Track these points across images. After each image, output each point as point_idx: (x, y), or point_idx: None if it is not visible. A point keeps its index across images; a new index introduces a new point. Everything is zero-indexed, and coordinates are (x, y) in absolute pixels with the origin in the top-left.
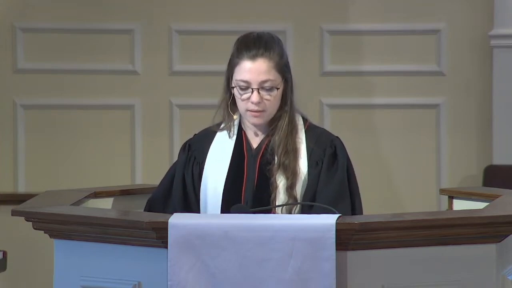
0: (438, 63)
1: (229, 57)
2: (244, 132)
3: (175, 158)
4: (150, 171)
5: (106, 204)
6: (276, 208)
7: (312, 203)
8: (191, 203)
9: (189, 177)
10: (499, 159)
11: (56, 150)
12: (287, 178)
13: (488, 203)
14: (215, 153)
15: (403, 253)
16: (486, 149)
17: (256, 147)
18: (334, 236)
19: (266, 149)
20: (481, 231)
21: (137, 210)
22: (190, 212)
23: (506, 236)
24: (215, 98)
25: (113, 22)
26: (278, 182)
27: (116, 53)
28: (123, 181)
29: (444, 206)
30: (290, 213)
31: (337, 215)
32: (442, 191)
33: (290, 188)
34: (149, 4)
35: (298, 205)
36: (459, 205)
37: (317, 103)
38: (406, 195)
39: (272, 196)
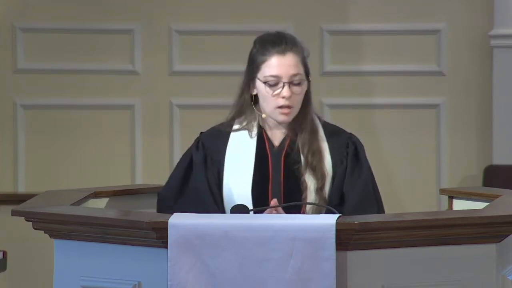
0: (438, 63)
1: (229, 57)
2: (265, 131)
3: (176, 158)
4: (150, 171)
5: (106, 204)
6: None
7: (335, 210)
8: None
9: (212, 176)
10: (499, 159)
11: (56, 150)
12: (317, 180)
13: (488, 203)
14: (235, 154)
15: (403, 253)
16: (486, 149)
17: (279, 146)
18: (334, 236)
19: (289, 146)
20: (481, 231)
21: (137, 210)
22: (220, 210)
23: (506, 236)
24: (215, 98)
25: (113, 22)
26: (308, 182)
27: (116, 53)
28: (123, 181)
29: (444, 206)
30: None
31: (337, 215)
32: (442, 191)
33: (320, 189)
34: (149, 4)
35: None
36: (459, 205)
37: (317, 103)
38: (406, 195)
39: (303, 195)
